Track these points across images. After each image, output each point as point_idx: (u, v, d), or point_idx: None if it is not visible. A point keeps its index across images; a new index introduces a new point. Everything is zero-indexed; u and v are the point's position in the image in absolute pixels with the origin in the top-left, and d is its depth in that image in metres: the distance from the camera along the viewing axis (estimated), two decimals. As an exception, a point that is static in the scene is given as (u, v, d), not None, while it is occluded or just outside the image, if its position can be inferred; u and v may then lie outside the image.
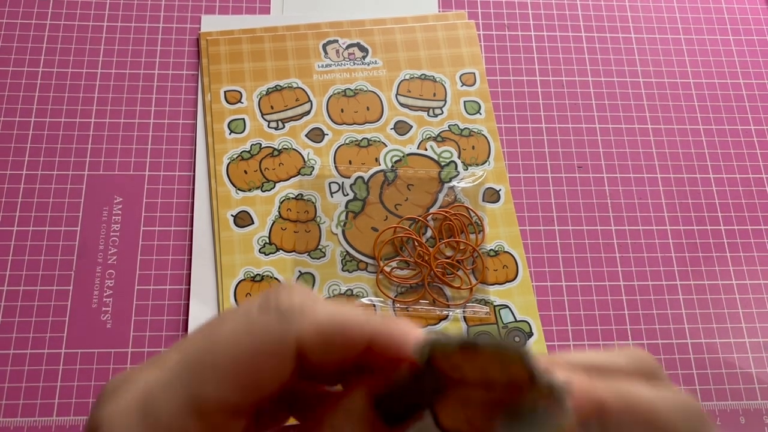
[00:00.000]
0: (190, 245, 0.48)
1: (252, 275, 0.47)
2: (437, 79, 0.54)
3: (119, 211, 0.49)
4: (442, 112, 0.53)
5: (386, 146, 0.51)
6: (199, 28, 0.55)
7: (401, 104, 0.53)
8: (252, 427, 0.21)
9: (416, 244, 0.48)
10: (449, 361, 0.18)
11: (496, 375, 0.18)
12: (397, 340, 0.19)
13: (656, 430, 0.19)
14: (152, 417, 0.18)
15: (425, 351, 0.18)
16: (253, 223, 0.48)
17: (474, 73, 0.54)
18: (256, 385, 0.19)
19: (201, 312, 0.46)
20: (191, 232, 0.48)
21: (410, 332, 0.19)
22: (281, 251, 0.47)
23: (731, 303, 0.49)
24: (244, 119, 0.51)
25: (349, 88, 0.53)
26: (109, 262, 0.47)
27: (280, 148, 0.51)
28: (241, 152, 0.50)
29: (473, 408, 0.19)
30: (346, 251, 0.48)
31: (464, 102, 0.53)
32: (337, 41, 0.54)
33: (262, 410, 0.22)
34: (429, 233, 0.48)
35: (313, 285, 0.46)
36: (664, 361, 0.47)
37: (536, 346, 0.46)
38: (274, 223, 0.48)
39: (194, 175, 0.50)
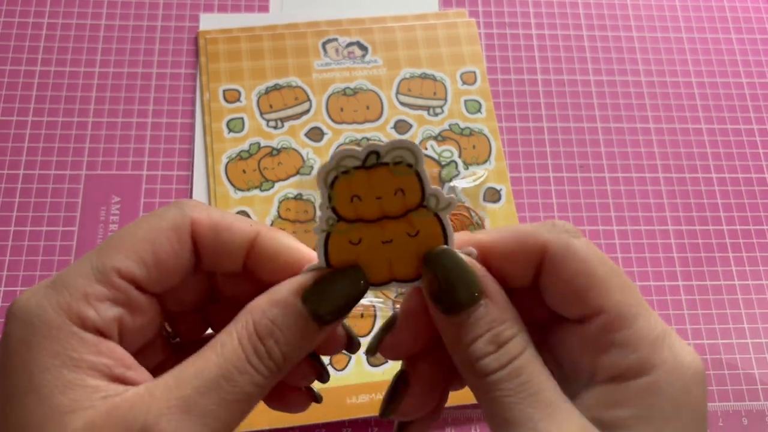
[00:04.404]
0: (189, 245, 0.47)
1: (251, 275, 0.46)
2: (437, 78, 0.53)
3: (117, 211, 0.48)
4: (443, 111, 0.52)
5: (386, 145, 0.51)
6: (198, 27, 0.55)
7: (401, 103, 0.52)
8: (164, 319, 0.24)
9: (416, 244, 0.47)
10: (350, 181, 0.21)
11: (390, 189, 0.21)
12: (284, 244, 0.23)
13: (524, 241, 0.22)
14: (61, 286, 0.20)
15: (330, 173, 0.21)
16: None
17: (474, 72, 0.54)
18: (155, 259, 0.21)
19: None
20: (190, 232, 0.48)
21: (297, 246, 0.23)
22: (280, 251, 0.47)
23: (733, 303, 0.48)
24: (242, 118, 0.51)
25: (349, 87, 0.52)
26: (107, 262, 0.47)
27: (279, 147, 0.50)
28: (239, 151, 0.50)
29: (362, 240, 0.22)
30: (346, 251, 0.47)
31: (465, 101, 0.53)
32: (336, 40, 0.54)
33: (179, 313, 0.25)
34: (429, 233, 0.48)
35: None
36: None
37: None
38: (273, 223, 0.48)
39: (192, 175, 0.50)
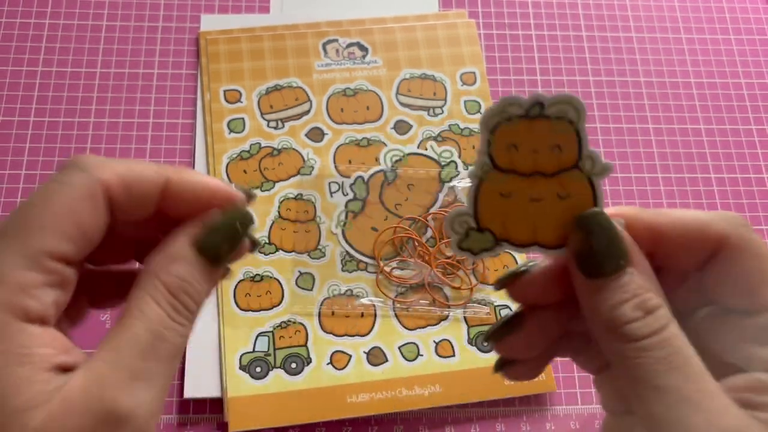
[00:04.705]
0: (190, 245, 0.48)
1: (251, 275, 0.46)
2: (437, 79, 0.53)
3: (118, 211, 0.48)
4: (443, 112, 0.52)
5: (386, 146, 0.51)
6: (199, 27, 0.55)
7: (401, 104, 0.52)
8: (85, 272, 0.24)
9: (416, 244, 0.48)
10: (510, 129, 0.21)
11: (548, 144, 0.21)
12: (193, 181, 0.23)
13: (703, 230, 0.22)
14: None
15: (493, 118, 0.21)
16: (252, 222, 0.48)
17: (474, 72, 0.54)
18: (80, 233, 0.21)
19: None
20: (190, 232, 0.48)
21: (205, 180, 0.24)
22: (281, 251, 0.47)
23: (732, 303, 0.48)
24: (243, 118, 0.51)
25: (349, 88, 0.53)
26: (109, 262, 0.47)
27: (279, 147, 0.50)
28: (240, 152, 0.50)
29: (511, 199, 0.22)
30: (346, 251, 0.47)
31: (464, 101, 0.53)
32: (336, 40, 0.54)
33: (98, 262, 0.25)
34: (429, 233, 0.48)
35: (313, 285, 0.46)
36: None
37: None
38: (273, 223, 0.48)
39: (193, 175, 0.50)
